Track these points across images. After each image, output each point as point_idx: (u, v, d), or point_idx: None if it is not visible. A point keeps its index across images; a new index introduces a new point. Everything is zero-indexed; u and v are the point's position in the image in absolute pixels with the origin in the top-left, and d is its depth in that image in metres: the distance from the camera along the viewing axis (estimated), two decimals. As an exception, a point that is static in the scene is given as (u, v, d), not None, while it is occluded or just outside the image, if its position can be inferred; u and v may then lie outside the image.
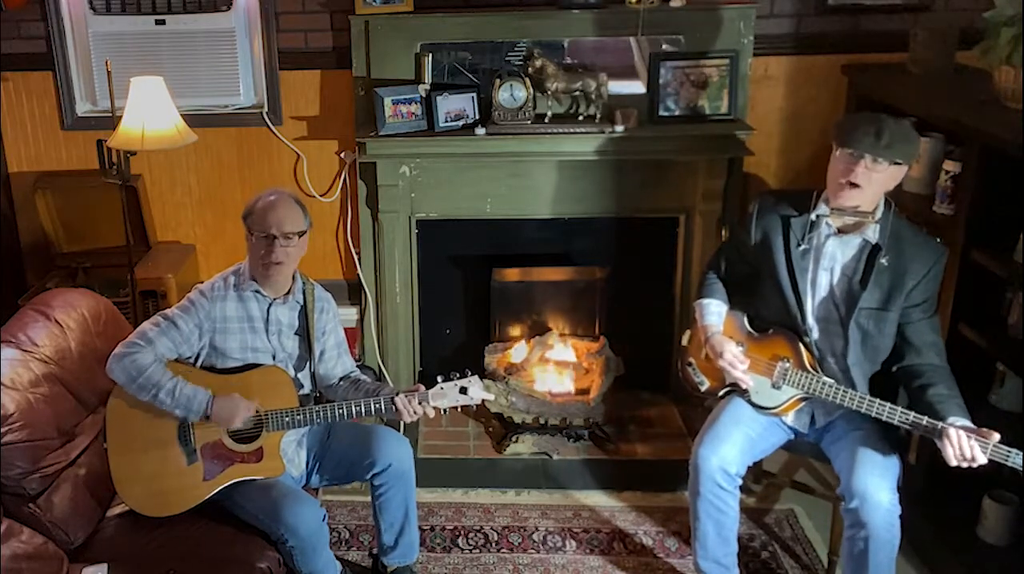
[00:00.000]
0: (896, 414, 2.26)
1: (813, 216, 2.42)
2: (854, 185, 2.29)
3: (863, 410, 2.32)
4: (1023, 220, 2.47)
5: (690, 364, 2.71)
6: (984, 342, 2.58)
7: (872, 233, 2.37)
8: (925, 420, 2.22)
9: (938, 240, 2.43)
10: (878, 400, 2.30)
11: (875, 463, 2.35)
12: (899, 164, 2.29)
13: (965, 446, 2.13)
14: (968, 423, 2.20)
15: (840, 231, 2.41)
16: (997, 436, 2.13)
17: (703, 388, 2.66)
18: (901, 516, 2.31)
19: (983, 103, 2.67)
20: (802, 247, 2.44)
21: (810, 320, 2.47)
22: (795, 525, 3.06)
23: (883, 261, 2.35)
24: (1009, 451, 2.11)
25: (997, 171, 2.50)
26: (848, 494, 2.33)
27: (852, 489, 2.31)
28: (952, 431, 2.15)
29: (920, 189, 2.84)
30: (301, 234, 2.45)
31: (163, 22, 3.51)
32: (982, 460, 2.14)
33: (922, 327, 2.38)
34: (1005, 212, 2.52)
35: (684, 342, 2.77)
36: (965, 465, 2.15)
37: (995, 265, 2.52)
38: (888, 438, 2.41)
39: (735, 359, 2.50)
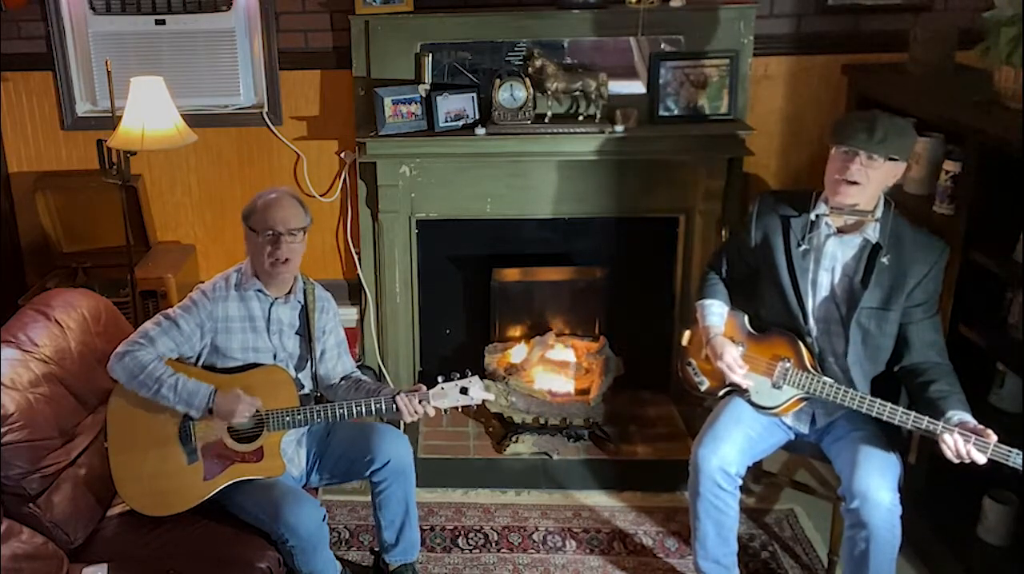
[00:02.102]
0: (897, 414, 2.26)
1: (812, 216, 2.42)
2: (851, 183, 2.30)
3: (864, 410, 2.32)
4: (1023, 220, 2.47)
5: (690, 364, 2.71)
6: (984, 342, 2.58)
7: (872, 232, 2.37)
8: (925, 421, 2.22)
9: (939, 239, 2.43)
10: (879, 400, 2.30)
11: (876, 463, 2.35)
12: (895, 160, 2.30)
13: (962, 449, 2.14)
14: (968, 418, 2.20)
15: (840, 231, 2.41)
16: (995, 436, 2.13)
17: (703, 388, 2.66)
18: (901, 516, 2.31)
19: (983, 103, 2.67)
20: (802, 247, 2.44)
21: (811, 320, 2.47)
22: (795, 525, 3.06)
23: (884, 260, 2.35)
24: (1010, 451, 2.11)
25: (997, 171, 2.50)
26: (849, 494, 2.33)
27: (853, 489, 2.31)
28: (947, 436, 2.16)
29: (920, 189, 2.84)
30: (304, 230, 2.47)
31: (163, 22, 3.51)
32: (981, 461, 2.14)
33: (924, 326, 2.39)
34: (1005, 212, 2.52)
35: (684, 342, 2.77)
36: (968, 461, 2.16)
37: (995, 265, 2.52)
38: (888, 438, 2.42)
39: (734, 363, 2.50)
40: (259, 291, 2.49)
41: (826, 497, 2.76)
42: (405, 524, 2.65)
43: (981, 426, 2.17)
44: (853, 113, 2.43)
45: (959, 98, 2.77)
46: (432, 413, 2.44)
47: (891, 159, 2.29)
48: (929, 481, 2.77)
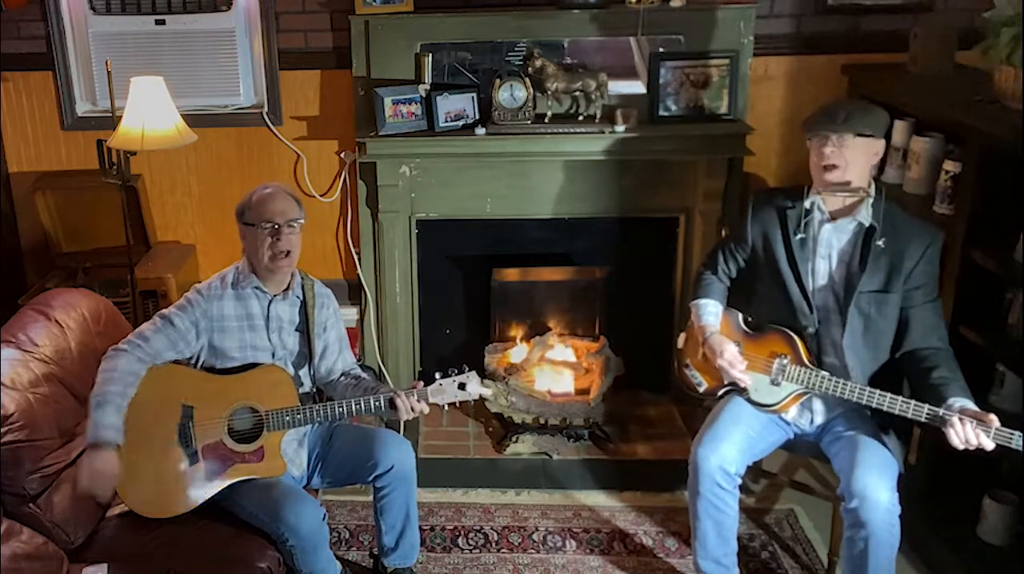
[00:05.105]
0: (897, 403, 2.26)
1: (807, 203, 2.44)
2: (831, 167, 2.35)
3: (863, 401, 2.32)
4: (1023, 220, 2.47)
5: (686, 366, 2.71)
6: (984, 342, 2.58)
7: (865, 214, 2.38)
8: (926, 408, 2.22)
9: (932, 225, 2.44)
10: (878, 390, 2.30)
11: (874, 463, 2.35)
12: (867, 136, 2.34)
13: (970, 433, 2.14)
14: (970, 405, 2.20)
15: (833, 216, 2.42)
16: (996, 420, 2.13)
17: (701, 389, 2.67)
18: (901, 516, 2.31)
19: (983, 103, 2.67)
20: (799, 236, 2.45)
21: (813, 309, 2.48)
22: (795, 525, 3.06)
23: (879, 243, 2.36)
24: (1011, 434, 2.11)
25: (997, 171, 2.50)
26: (848, 494, 2.33)
27: (852, 489, 2.31)
28: (955, 419, 2.15)
29: (920, 189, 2.84)
30: (301, 222, 2.47)
31: (163, 22, 3.51)
32: (989, 446, 2.14)
33: (924, 311, 2.39)
34: (1005, 212, 2.52)
35: (679, 345, 2.77)
36: (972, 448, 2.15)
37: (995, 265, 2.52)
38: (888, 438, 2.42)
39: (734, 359, 2.50)
40: (257, 288, 2.49)
41: (826, 497, 2.76)
42: (405, 529, 2.65)
43: (982, 412, 2.17)
44: (820, 105, 2.53)
45: (959, 98, 2.77)
46: (427, 410, 2.44)
47: (861, 135, 2.33)
48: (929, 481, 2.77)
